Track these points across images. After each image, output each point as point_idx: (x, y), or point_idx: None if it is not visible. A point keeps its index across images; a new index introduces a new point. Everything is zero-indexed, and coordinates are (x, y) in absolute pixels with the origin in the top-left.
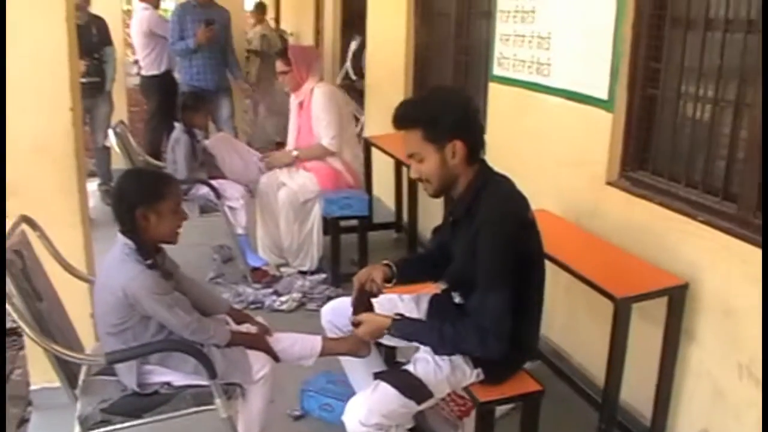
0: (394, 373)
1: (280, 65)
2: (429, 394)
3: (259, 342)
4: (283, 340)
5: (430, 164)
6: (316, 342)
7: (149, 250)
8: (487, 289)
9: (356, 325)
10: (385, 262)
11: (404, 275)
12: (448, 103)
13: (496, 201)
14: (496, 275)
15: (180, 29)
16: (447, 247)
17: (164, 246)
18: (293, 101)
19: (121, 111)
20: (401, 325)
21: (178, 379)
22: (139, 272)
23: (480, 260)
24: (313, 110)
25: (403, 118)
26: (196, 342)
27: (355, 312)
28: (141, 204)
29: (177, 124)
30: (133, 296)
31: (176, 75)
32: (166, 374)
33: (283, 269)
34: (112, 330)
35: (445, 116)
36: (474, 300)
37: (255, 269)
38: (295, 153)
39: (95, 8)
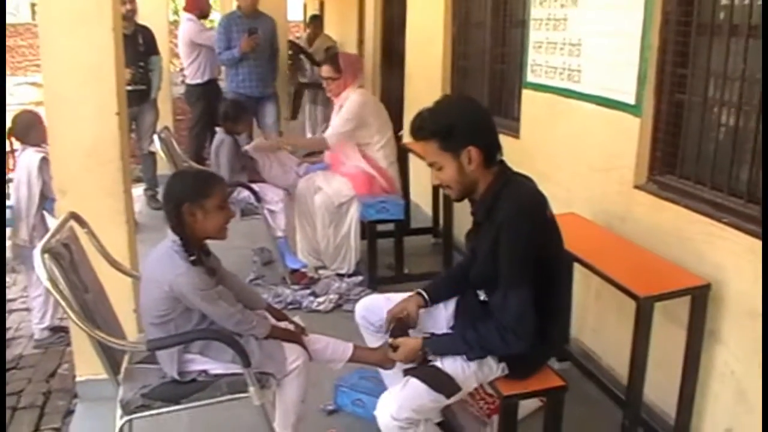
0: (423, 369)
1: (328, 71)
2: (457, 388)
3: (295, 337)
4: (318, 342)
5: (449, 172)
6: (347, 348)
7: (195, 247)
8: (508, 287)
9: (394, 348)
10: (417, 291)
11: (437, 299)
12: (459, 111)
13: (515, 201)
14: (516, 273)
15: (226, 39)
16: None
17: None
18: (335, 107)
19: (166, 119)
20: (432, 344)
21: (215, 368)
22: (185, 269)
23: (501, 259)
24: (342, 110)
25: (419, 130)
26: (237, 332)
27: (392, 336)
28: (187, 200)
29: (219, 129)
30: (179, 291)
31: (222, 83)
32: (204, 363)
33: (321, 272)
34: (155, 321)
35: (457, 125)
36: (496, 298)
37: (294, 271)
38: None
39: (142, 19)
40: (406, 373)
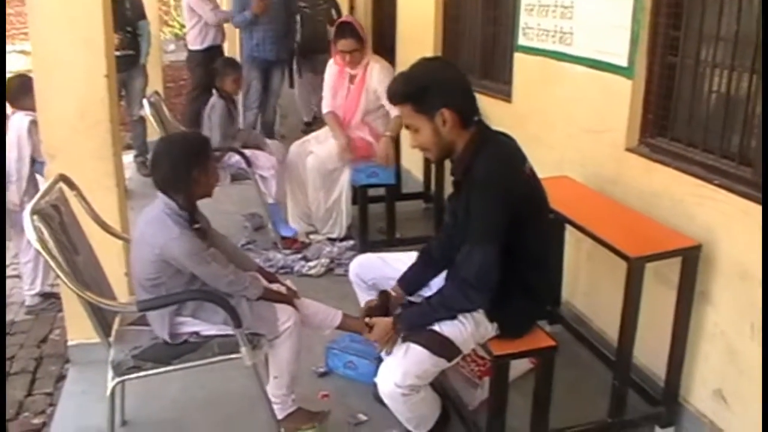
0: (421, 333)
1: (351, 44)
2: (458, 351)
3: (286, 299)
4: (308, 307)
5: (425, 134)
6: (336, 316)
7: (188, 210)
8: (474, 242)
9: (369, 328)
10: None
11: (414, 291)
12: (432, 73)
13: (491, 159)
14: (484, 230)
15: (241, 3)
16: (450, 216)
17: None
18: (335, 72)
19: (156, 86)
20: (402, 319)
21: (206, 329)
22: (178, 233)
23: (471, 215)
24: (372, 85)
25: (394, 95)
26: (229, 294)
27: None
28: (196, 164)
29: (214, 91)
30: (171, 255)
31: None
32: (196, 325)
33: (312, 236)
34: (146, 284)
35: (430, 87)
36: (461, 254)
37: (285, 237)
38: (388, 134)
39: None
40: (405, 339)
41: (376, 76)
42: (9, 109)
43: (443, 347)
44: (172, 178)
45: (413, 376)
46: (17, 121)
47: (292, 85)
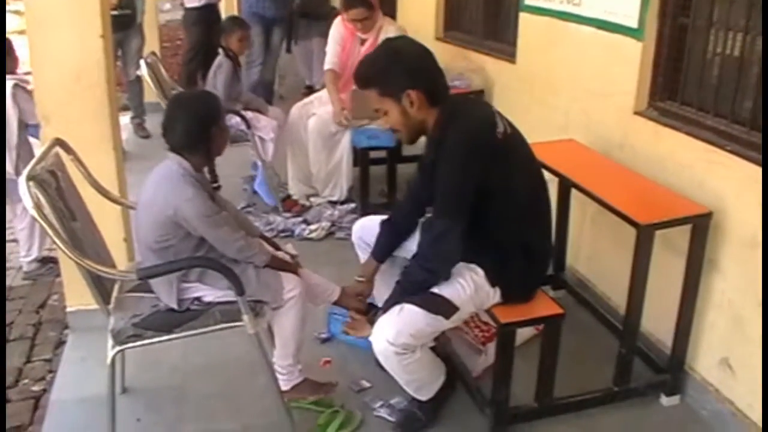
0: (418, 295)
1: (361, 12)
2: (455, 308)
3: (291, 268)
4: (309, 278)
5: (393, 116)
6: (335, 292)
7: (210, 169)
8: (435, 215)
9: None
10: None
11: (385, 256)
12: (395, 56)
13: (457, 132)
14: (445, 203)
15: None
16: (421, 192)
17: None
18: (344, 34)
19: (153, 47)
20: (382, 310)
21: (208, 295)
22: (192, 194)
23: (436, 186)
24: None
25: (359, 80)
26: (237, 259)
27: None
28: (214, 122)
29: (220, 51)
30: (183, 216)
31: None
32: (202, 290)
33: (312, 199)
34: (154, 246)
35: (394, 70)
36: (425, 224)
37: (285, 198)
38: None
39: None
40: (398, 302)
41: None
42: None
43: (438, 305)
44: (190, 138)
45: (407, 335)
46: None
47: (289, 50)
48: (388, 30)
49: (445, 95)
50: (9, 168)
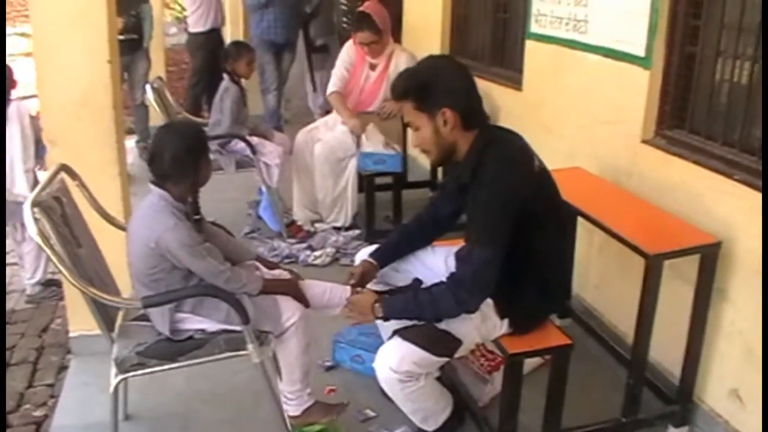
0: (417, 329)
1: (369, 36)
2: (457, 343)
3: (290, 287)
4: (315, 287)
5: (425, 133)
6: (344, 293)
7: (192, 200)
8: (475, 243)
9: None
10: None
11: (387, 262)
12: (436, 71)
13: (498, 160)
14: (486, 232)
15: None
16: (441, 209)
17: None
18: (353, 57)
19: (158, 70)
20: (387, 306)
21: (211, 326)
22: (173, 224)
23: (476, 214)
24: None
25: (396, 90)
26: (228, 291)
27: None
28: (203, 153)
29: (225, 76)
30: (165, 247)
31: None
32: (198, 322)
33: (317, 225)
34: (144, 279)
35: (433, 86)
36: (462, 251)
37: (290, 224)
38: None
39: None
40: (396, 333)
41: (403, 65)
42: None
43: (439, 343)
44: (178, 168)
45: (410, 362)
46: (18, 109)
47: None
48: (400, 56)
49: (481, 121)
50: (24, 191)
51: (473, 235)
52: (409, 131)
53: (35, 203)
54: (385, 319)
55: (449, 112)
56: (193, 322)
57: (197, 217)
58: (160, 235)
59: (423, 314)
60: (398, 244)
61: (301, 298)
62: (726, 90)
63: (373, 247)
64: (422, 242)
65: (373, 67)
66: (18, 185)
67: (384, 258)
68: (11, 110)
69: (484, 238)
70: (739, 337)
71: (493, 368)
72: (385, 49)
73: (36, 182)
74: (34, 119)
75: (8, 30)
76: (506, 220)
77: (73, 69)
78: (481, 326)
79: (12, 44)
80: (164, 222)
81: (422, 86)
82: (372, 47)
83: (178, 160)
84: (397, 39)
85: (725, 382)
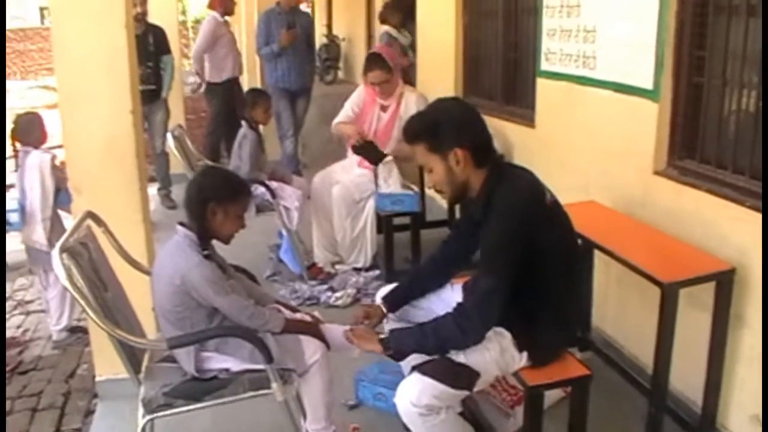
0: (435, 363)
1: (380, 75)
2: (476, 376)
3: (311, 328)
4: (334, 330)
5: (438, 173)
6: None
7: (207, 243)
8: (483, 273)
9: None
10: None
11: (394, 308)
12: (446, 113)
13: (509, 194)
14: (494, 263)
15: (266, 34)
16: (454, 248)
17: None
18: (364, 98)
19: (178, 118)
20: (394, 338)
21: (235, 365)
22: (198, 261)
23: (485, 244)
24: (408, 115)
25: (408, 134)
26: (252, 328)
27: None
28: (215, 199)
29: (243, 123)
30: (191, 284)
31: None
32: (223, 361)
33: (338, 266)
34: (170, 317)
35: (443, 127)
36: (470, 282)
37: (311, 266)
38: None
39: (151, 19)
40: (414, 368)
41: (413, 106)
42: (19, 146)
43: (457, 376)
44: (187, 207)
45: (430, 396)
46: (36, 159)
47: None
48: (409, 97)
49: (492, 158)
50: (42, 240)
51: (482, 265)
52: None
53: (63, 249)
54: (394, 351)
55: (460, 152)
56: (218, 361)
57: (206, 252)
58: (186, 272)
59: (427, 344)
60: (410, 286)
61: (322, 339)
62: (734, 118)
63: (393, 285)
64: (435, 282)
65: (384, 108)
66: (36, 233)
67: (394, 300)
68: (33, 160)
69: (490, 267)
70: (759, 362)
71: (515, 402)
72: (396, 90)
73: (53, 230)
74: (58, 168)
75: (31, 83)
76: (514, 250)
77: (97, 119)
78: (499, 359)
79: (36, 97)
80: (189, 259)
81: (433, 128)
82: (383, 87)
83: (190, 199)
84: (412, 80)
85: (747, 408)
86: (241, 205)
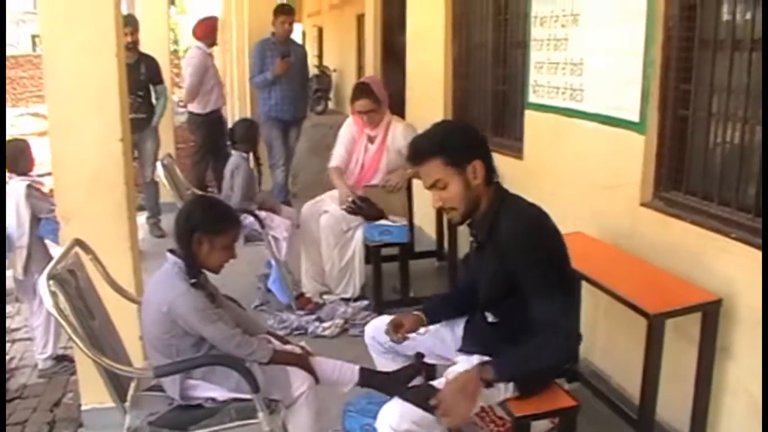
0: (416, 391)
1: (367, 104)
2: None
3: (300, 360)
4: (324, 363)
5: (455, 188)
6: (354, 372)
7: (196, 271)
8: (543, 296)
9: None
10: (414, 312)
11: (435, 319)
12: (458, 128)
13: (518, 217)
14: (545, 282)
15: (260, 63)
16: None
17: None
18: (353, 131)
19: (168, 147)
20: (497, 368)
21: (221, 394)
22: (185, 290)
23: (524, 274)
24: (396, 145)
25: (421, 151)
26: (239, 357)
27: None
28: (201, 229)
29: (234, 152)
30: (177, 312)
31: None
32: (210, 389)
33: (326, 297)
34: (157, 344)
35: (460, 140)
36: (534, 313)
37: (299, 296)
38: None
39: (145, 47)
40: (399, 395)
41: (401, 135)
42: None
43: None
44: (177, 233)
45: (409, 421)
46: (13, 188)
47: None
48: (397, 127)
49: (497, 177)
50: (18, 268)
51: (535, 292)
52: (417, 200)
53: (51, 276)
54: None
55: (479, 164)
56: (204, 390)
57: (193, 281)
58: (172, 300)
59: (534, 362)
60: (449, 306)
61: (311, 371)
62: (719, 151)
63: (384, 317)
64: (468, 308)
65: (371, 139)
66: (16, 264)
67: (432, 314)
68: (9, 188)
69: (548, 287)
70: (745, 393)
71: None
72: (383, 119)
73: (32, 259)
74: (41, 196)
75: (21, 110)
76: (552, 264)
77: (86, 147)
78: (484, 389)
79: (26, 124)
80: (176, 287)
81: (448, 142)
82: (370, 116)
83: (178, 228)
84: (401, 111)
85: None
86: (229, 236)
